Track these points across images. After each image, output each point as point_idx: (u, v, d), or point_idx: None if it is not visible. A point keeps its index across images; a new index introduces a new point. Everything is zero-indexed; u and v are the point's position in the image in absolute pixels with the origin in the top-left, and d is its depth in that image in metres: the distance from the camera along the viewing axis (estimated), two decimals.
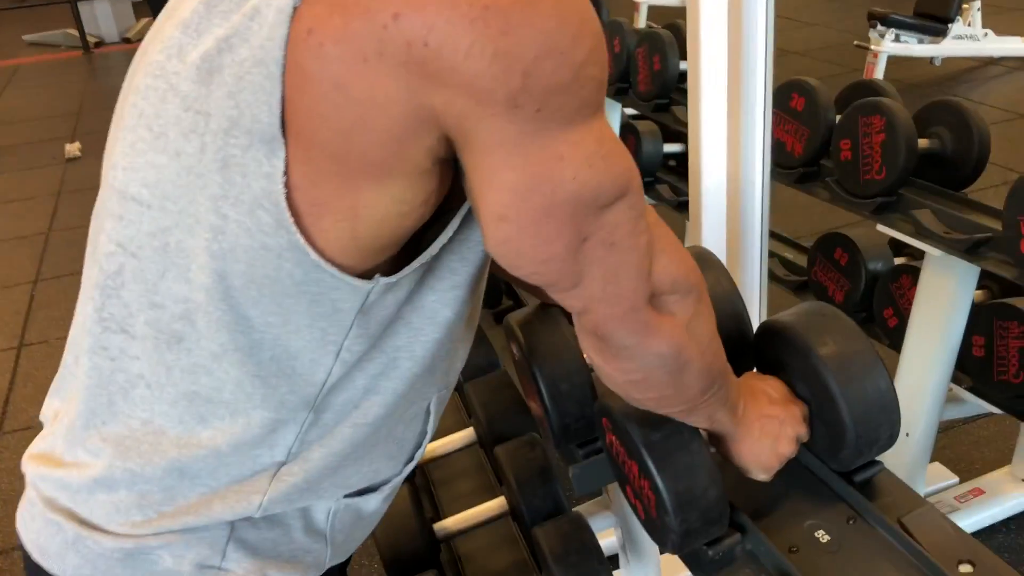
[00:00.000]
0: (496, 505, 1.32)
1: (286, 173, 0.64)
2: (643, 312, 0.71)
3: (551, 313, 1.06)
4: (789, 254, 2.27)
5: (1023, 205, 1.34)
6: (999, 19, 5.44)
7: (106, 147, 0.77)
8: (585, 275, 0.68)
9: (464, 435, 1.44)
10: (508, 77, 0.59)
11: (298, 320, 0.71)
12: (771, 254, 2.23)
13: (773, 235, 2.30)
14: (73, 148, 5.19)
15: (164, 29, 0.71)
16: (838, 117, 1.71)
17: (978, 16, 5.00)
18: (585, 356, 0.79)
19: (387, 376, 0.77)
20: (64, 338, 0.82)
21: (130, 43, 8.28)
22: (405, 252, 0.73)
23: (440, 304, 0.77)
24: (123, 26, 8.44)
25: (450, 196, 0.71)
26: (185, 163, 0.67)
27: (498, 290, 1.48)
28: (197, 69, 0.66)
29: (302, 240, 0.66)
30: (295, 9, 0.62)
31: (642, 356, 0.73)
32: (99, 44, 8.22)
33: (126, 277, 0.72)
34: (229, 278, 0.68)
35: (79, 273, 0.79)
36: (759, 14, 1.35)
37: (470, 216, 0.74)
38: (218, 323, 0.70)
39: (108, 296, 0.73)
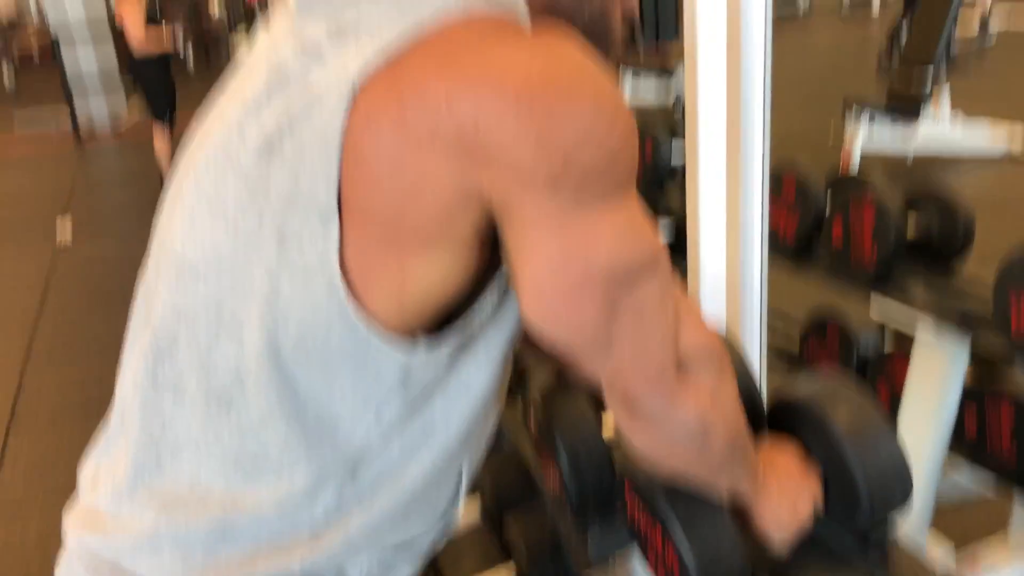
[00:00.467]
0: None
1: (340, 246, 0.69)
2: (669, 380, 0.75)
3: (571, 385, 1.09)
4: (781, 333, 2.32)
5: (1013, 281, 1.40)
6: (971, 112, 5.64)
7: (161, 221, 0.81)
8: (616, 343, 0.72)
9: (469, 506, 1.44)
10: (551, 160, 0.65)
11: (342, 383, 0.74)
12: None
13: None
14: (64, 232, 5.22)
15: (226, 111, 0.76)
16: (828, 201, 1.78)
17: (946, 104, 5.18)
18: (613, 424, 0.82)
19: (425, 442, 0.80)
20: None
21: (121, 130, 8.42)
22: (444, 322, 0.77)
23: (476, 371, 0.81)
24: (115, 114, 8.59)
25: (488, 269, 0.76)
26: (243, 236, 0.71)
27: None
28: (259, 149, 0.71)
29: (352, 307, 0.71)
30: (354, 94, 0.68)
31: (669, 422, 0.76)
32: (91, 132, 8.35)
33: (180, 342, 0.75)
34: (279, 343, 0.72)
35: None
36: (756, 98, 1.43)
37: (505, 287, 0.78)
38: (267, 386, 0.73)
39: (162, 360, 0.76)
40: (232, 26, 9.49)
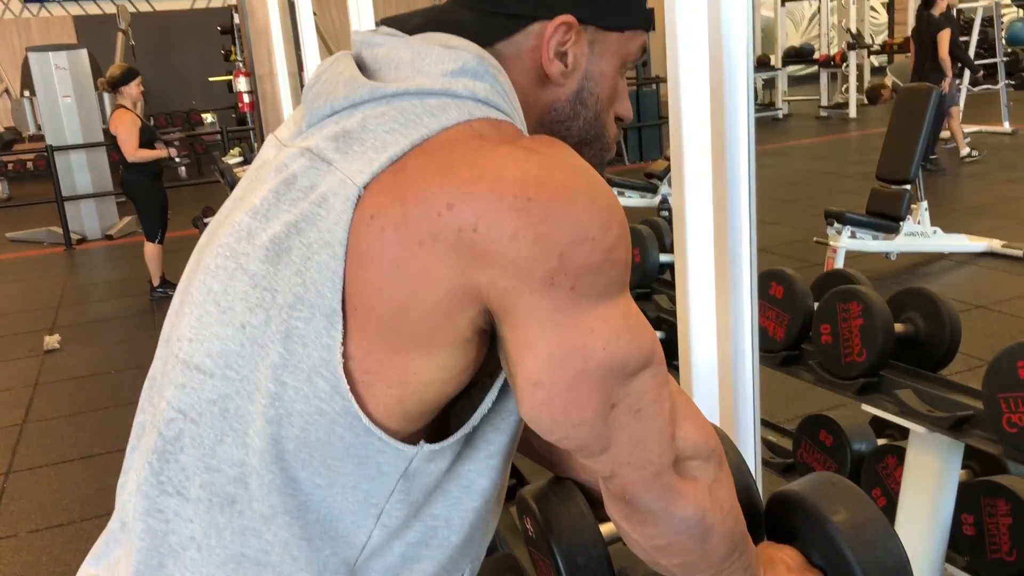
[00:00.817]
0: None
1: (344, 343, 0.70)
2: (668, 476, 0.75)
3: (565, 486, 1.08)
4: (773, 437, 2.32)
5: (1000, 383, 1.42)
6: (945, 219, 5.80)
7: (168, 322, 0.82)
8: (614, 440, 0.73)
9: None
10: (546, 259, 0.67)
11: (344, 482, 0.74)
12: None
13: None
14: (52, 340, 5.20)
15: (233, 215, 0.79)
16: (817, 304, 1.81)
17: (927, 216, 5.34)
18: (612, 522, 0.82)
19: (426, 545, 0.80)
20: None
21: (112, 240, 8.49)
22: (444, 423, 0.78)
23: (476, 474, 0.81)
24: (106, 224, 8.68)
25: (484, 367, 0.77)
26: (249, 335, 0.73)
27: None
28: (266, 250, 0.73)
29: (355, 405, 0.71)
30: (359, 198, 0.70)
31: (668, 520, 0.76)
32: (81, 241, 8.41)
33: (185, 442, 0.75)
34: (283, 442, 0.73)
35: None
36: (743, 208, 1.47)
37: (505, 387, 0.79)
38: (270, 485, 0.73)
39: (167, 460, 0.76)
40: (224, 134, 9.70)
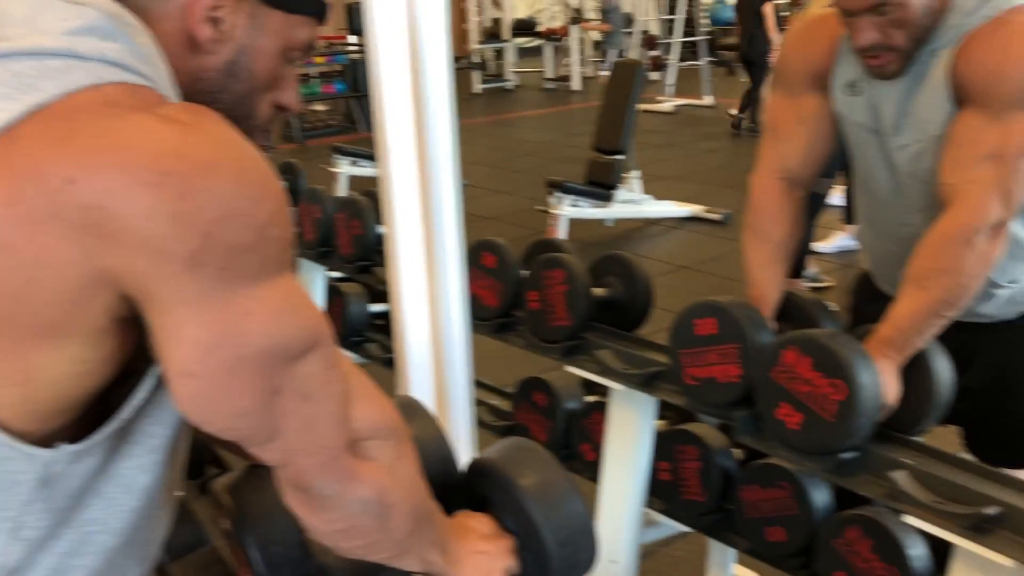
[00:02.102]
0: None
1: None
2: (343, 459, 0.74)
3: (260, 474, 1.04)
4: (495, 400, 2.39)
5: (681, 341, 1.54)
6: (656, 185, 6.27)
7: None
8: (281, 427, 0.70)
9: None
10: (188, 238, 0.62)
11: None
12: (478, 402, 2.34)
13: (479, 384, 2.41)
14: None
15: None
16: (525, 272, 1.88)
17: (638, 184, 5.74)
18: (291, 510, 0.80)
19: (79, 553, 0.73)
20: None
21: None
22: (95, 417, 0.71)
23: (137, 471, 0.75)
24: None
25: (138, 356, 0.71)
26: None
27: (201, 459, 1.42)
28: None
29: None
30: None
31: (346, 504, 0.75)
32: None
33: None
34: None
35: None
36: (446, 182, 1.49)
37: (160, 377, 0.73)
38: None
39: None
40: None
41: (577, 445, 2.00)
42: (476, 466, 1.02)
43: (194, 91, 0.77)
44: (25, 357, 0.64)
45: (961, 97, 1.45)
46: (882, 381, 1.36)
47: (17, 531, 0.68)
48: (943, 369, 1.48)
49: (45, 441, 0.67)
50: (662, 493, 1.84)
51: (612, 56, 9.68)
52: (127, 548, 0.77)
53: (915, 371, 1.47)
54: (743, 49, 8.11)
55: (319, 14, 0.83)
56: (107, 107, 0.64)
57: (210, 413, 0.68)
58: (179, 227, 0.61)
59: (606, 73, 9.23)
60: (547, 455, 1.01)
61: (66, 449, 0.68)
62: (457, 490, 1.04)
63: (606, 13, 9.64)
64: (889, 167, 1.60)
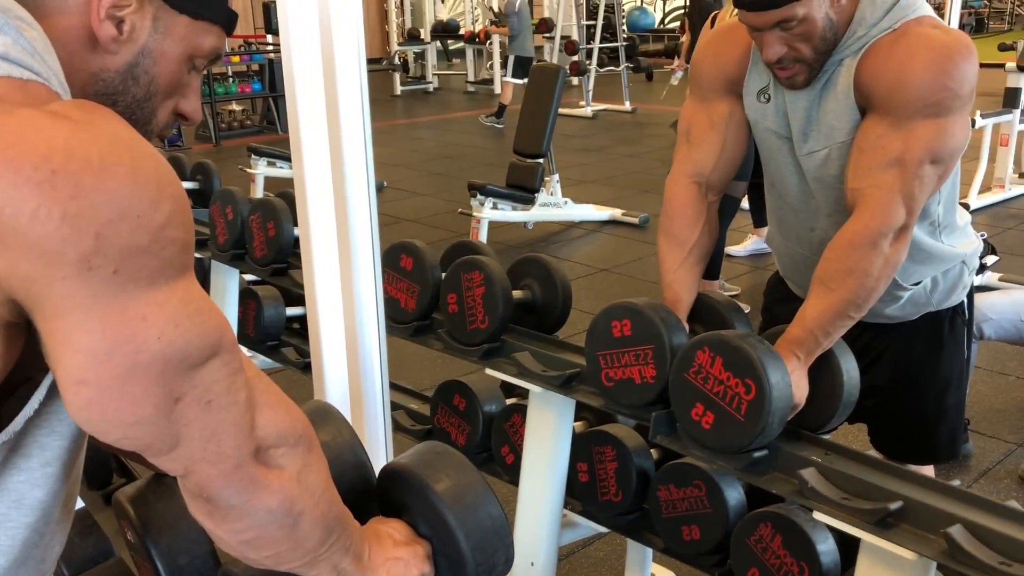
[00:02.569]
0: None
1: None
2: (248, 468, 0.72)
3: (165, 484, 1.01)
4: (415, 404, 2.37)
5: (598, 342, 1.55)
6: (576, 189, 6.32)
7: None
8: (182, 436, 0.68)
9: None
10: (79, 239, 0.59)
11: None
12: (397, 406, 2.32)
13: (397, 387, 2.39)
14: None
15: None
16: (444, 275, 1.86)
17: (558, 187, 5.78)
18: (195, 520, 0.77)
19: None
20: None
21: None
22: None
23: (29, 485, 0.71)
24: None
25: (30, 364, 0.68)
26: None
27: (108, 468, 1.37)
28: None
29: None
30: None
31: (252, 513, 0.73)
32: None
33: None
34: None
35: None
36: (359, 183, 1.46)
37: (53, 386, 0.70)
38: None
39: None
40: None
41: (497, 449, 2.00)
42: (390, 471, 1.00)
43: (91, 92, 0.75)
44: None
45: (865, 105, 1.50)
46: (792, 381, 1.39)
47: None
48: (850, 368, 1.53)
49: None
50: (580, 494, 1.85)
51: (512, 61, 9.57)
52: (17, 568, 0.73)
53: (823, 371, 1.51)
54: (691, 54, 8.27)
55: (226, 23, 0.81)
56: None
57: (106, 423, 0.65)
58: (69, 228, 0.59)
59: (515, 81, 9.23)
60: (461, 458, 1.00)
61: None
62: (371, 496, 1.03)
63: (506, 17, 9.58)
64: (798, 173, 1.64)
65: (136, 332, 0.63)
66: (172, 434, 0.67)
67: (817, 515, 1.33)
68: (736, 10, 1.50)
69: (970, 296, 1.78)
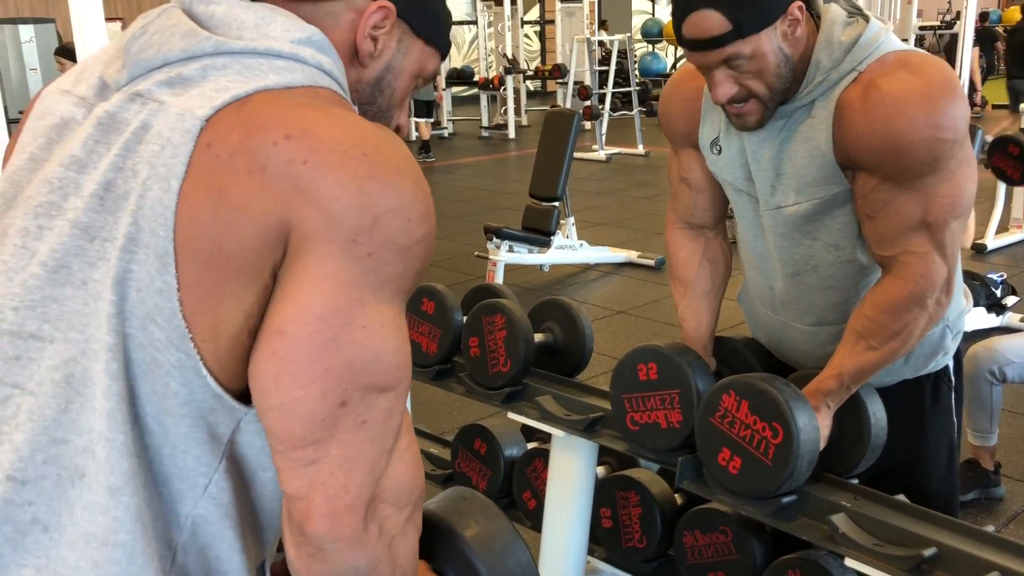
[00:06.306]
0: None
1: (179, 289, 0.68)
2: (357, 516, 0.73)
3: None
4: (434, 449, 2.35)
5: (623, 386, 1.54)
6: (591, 232, 6.34)
7: None
8: (324, 443, 0.70)
9: None
10: (360, 213, 0.69)
11: (174, 442, 0.71)
12: None
13: (418, 432, 2.38)
14: None
15: (42, 171, 0.73)
16: (465, 318, 1.86)
17: (574, 230, 5.80)
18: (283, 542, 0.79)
19: (258, 527, 0.80)
20: None
21: None
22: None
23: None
24: None
25: None
26: (93, 290, 0.69)
27: None
28: (99, 199, 0.70)
29: (189, 356, 0.69)
30: (201, 130, 0.70)
31: (338, 564, 0.74)
32: None
33: (22, 419, 0.68)
34: (129, 398, 0.69)
35: None
36: None
37: None
38: (121, 449, 0.69)
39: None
40: None
41: (519, 494, 1.98)
42: None
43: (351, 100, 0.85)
44: (216, 310, 0.69)
45: (849, 165, 1.40)
46: (817, 423, 1.37)
47: (207, 487, 0.73)
48: (877, 411, 1.51)
49: (236, 397, 0.72)
50: (604, 540, 1.83)
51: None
52: (273, 540, 0.84)
53: (849, 412, 1.49)
54: None
55: (444, 51, 0.92)
56: (322, 102, 0.75)
57: (276, 379, 0.69)
58: (358, 201, 0.68)
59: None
60: (489, 504, 0.99)
61: (253, 410, 0.72)
62: None
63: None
64: (757, 227, 1.57)
65: (351, 311, 0.69)
66: (320, 430, 0.70)
67: (849, 562, 1.31)
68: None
69: (957, 360, 1.66)
